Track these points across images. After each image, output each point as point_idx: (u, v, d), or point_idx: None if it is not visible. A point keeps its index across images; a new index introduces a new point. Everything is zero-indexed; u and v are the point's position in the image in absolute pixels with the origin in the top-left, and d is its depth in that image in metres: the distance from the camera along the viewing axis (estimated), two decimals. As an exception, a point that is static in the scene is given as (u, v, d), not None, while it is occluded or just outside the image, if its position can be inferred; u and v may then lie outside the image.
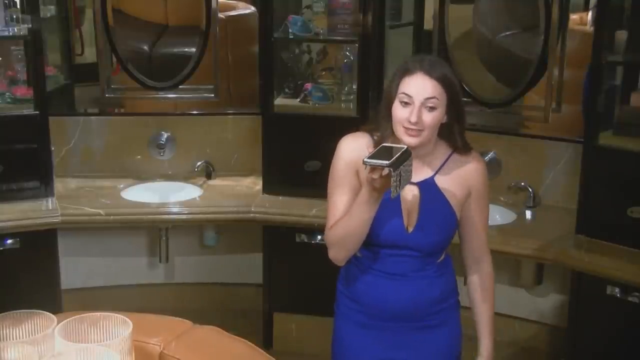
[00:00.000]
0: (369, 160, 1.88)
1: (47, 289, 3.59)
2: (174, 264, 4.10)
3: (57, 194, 3.70)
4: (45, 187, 3.66)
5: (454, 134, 2.17)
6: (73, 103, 4.20)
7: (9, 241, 3.48)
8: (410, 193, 2.15)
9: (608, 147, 3.19)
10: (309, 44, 3.99)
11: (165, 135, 3.97)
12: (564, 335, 3.41)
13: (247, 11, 4.37)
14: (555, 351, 3.60)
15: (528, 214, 3.60)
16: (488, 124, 3.78)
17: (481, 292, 2.36)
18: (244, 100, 4.25)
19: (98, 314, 2.05)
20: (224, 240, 4.09)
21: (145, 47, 4.21)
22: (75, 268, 3.91)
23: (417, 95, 2.05)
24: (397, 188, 1.90)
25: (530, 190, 3.61)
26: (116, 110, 4.27)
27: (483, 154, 3.20)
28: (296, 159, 3.72)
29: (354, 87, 3.82)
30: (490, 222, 3.49)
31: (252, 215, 3.66)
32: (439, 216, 2.18)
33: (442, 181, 2.19)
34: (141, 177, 4.00)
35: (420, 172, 2.16)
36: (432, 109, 2.06)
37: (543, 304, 3.66)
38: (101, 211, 3.59)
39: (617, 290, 3.05)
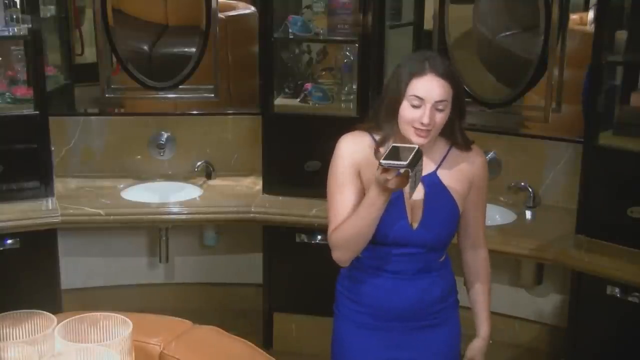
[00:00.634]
0: (386, 162, 1.88)
1: (47, 289, 3.59)
2: (174, 264, 4.10)
3: (57, 194, 3.70)
4: (45, 187, 3.66)
5: (454, 129, 2.17)
6: (73, 103, 4.20)
7: (9, 241, 3.48)
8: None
9: (608, 147, 3.19)
10: (309, 44, 3.99)
11: (165, 135, 3.97)
12: (564, 335, 3.41)
13: (247, 11, 4.37)
14: (555, 351, 3.60)
15: (528, 214, 3.60)
16: (488, 124, 3.77)
17: (477, 274, 2.37)
18: (244, 100, 4.25)
19: (98, 314, 2.05)
20: (224, 240, 4.09)
21: (145, 47, 4.21)
22: (75, 268, 3.91)
23: (429, 98, 2.04)
24: (414, 188, 1.92)
25: (530, 190, 3.61)
26: (116, 110, 4.27)
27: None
28: (296, 159, 3.72)
29: (354, 87, 3.82)
30: (490, 222, 3.51)
31: (252, 215, 3.66)
32: (443, 211, 2.18)
33: (444, 175, 2.19)
34: (141, 177, 4.00)
35: (423, 168, 2.16)
36: (441, 109, 2.07)
37: (543, 304, 3.66)
38: (101, 211, 3.59)
39: (617, 290, 3.05)
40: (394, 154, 1.90)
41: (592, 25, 3.32)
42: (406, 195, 2.10)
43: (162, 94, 4.05)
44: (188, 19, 4.10)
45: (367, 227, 2.08)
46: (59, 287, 3.67)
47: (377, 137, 2.16)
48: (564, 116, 3.66)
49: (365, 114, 3.62)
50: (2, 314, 2.06)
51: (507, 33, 3.88)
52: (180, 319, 2.37)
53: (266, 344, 3.78)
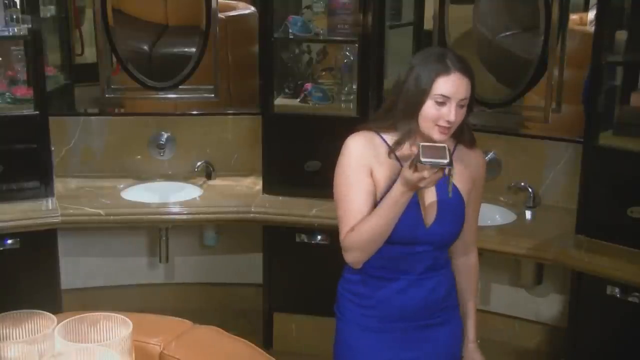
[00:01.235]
0: (427, 160, 1.89)
1: (47, 289, 3.59)
2: (174, 264, 4.10)
3: (57, 194, 3.70)
4: (45, 187, 3.66)
5: (462, 125, 2.16)
6: (73, 103, 4.20)
7: (9, 241, 3.48)
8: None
9: (608, 147, 3.19)
10: (309, 44, 3.99)
11: (165, 135, 3.97)
12: (564, 335, 3.41)
13: (247, 11, 4.37)
14: (555, 351, 3.60)
15: (528, 214, 3.60)
16: (488, 124, 3.77)
17: (469, 280, 2.36)
18: (244, 100, 4.25)
19: (98, 314, 2.05)
20: (224, 240, 4.09)
21: (145, 47, 4.21)
22: (75, 268, 3.91)
23: (455, 96, 2.04)
24: (450, 185, 1.96)
25: (530, 190, 3.61)
26: (116, 110, 4.27)
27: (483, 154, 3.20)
28: (296, 159, 3.72)
29: (354, 87, 3.82)
30: (490, 222, 3.51)
31: (252, 215, 3.66)
32: (454, 207, 2.18)
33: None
34: (141, 177, 4.00)
35: None
36: (463, 106, 2.08)
37: (543, 304, 3.66)
38: (101, 211, 3.59)
39: (617, 290, 3.05)
40: (429, 152, 1.92)
41: (592, 25, 3.31)
42: (422, 193, 2.11)
43: (162, 94, 4.06)
44: (188, 19, 4.10)
45: (387, 227, 2.07)
46: (59, 287, 3.67)
47: (386, 137, 2.14)
48: (564, 116, 3.66)
49: (365, 114, 3.62)
50: (2, 314, 2.05)
51: (507, 33, 3.88)
52: (180, 319, 2.37)
53: (266, 344, 3.78)
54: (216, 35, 3.90)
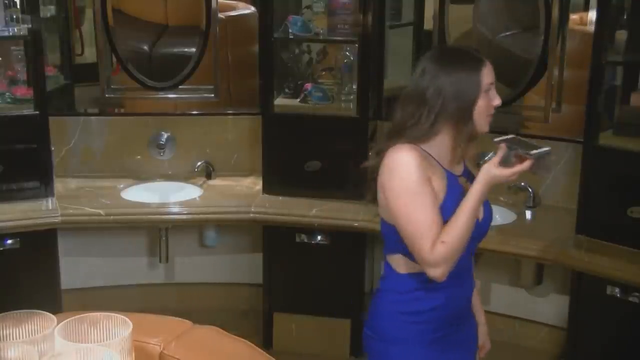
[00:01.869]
0: (535, 152, 2.02)
1: (47, 289, 3.59)
2: (174, 264, 4.10)
3: (57, 194, 3.70)
4: (45, 187, 3.66)
5: None
6: (73, 103, 4.20)
7: (9, 241, 3.48)
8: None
9: (608, 147, 3.19)
10: (309, 44, 3.99)
11: (165, 135, 3.97)
12: (564, 335, 3.41)
13: (247, 11, 4.36)
14: (555, 351, 3.60)
15: (528, 214, 3.60)
16: (488, 124, 3.77)
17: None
18: (243, 100, 4.24)
19: (98, 314, 2.05)
20: (224, 240, 4.09)
21: (145, 47, 4.21)
22: (75, 268, 3.91)
23: (494, 80, 2.16)
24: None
25: (530, 190, 3.61)
26: (116, 110, 4.27)
27: (483, 154, 3.20)
28: (296, 159, 3.71)
29: (354, 87, 3.82)
30: (490, 222, 3.50)
31: (252, 215, 3.66)
32: (486, 200, 2.19)
33: (470, 165, 2.25)
34: (141, 177, 4.00)
35: (460, 163, 2.20)
36: None
37: (543, 304, 3.66)
38: (101, 211, 3.60)
39: (617, 290, 3.05)
40: (522, 146, 2.06)
41: (592, 25, 3.31)
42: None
43: (162, 94, 4.05)
44: (188, 19, 4.10)
45: (471, 231, 2.05)
46: (59, 287, 3.67)
47: (425, 147, 2.09)
48: (564, 116, 3.66)
49: (365, 114, 3.62)
50: (2, 314, 2.06)
51: (507, 33, 3.88)
52: (180, 319, 2.38)
53: (266, 344, 3.78)
54: (216, 35, 3.90)
